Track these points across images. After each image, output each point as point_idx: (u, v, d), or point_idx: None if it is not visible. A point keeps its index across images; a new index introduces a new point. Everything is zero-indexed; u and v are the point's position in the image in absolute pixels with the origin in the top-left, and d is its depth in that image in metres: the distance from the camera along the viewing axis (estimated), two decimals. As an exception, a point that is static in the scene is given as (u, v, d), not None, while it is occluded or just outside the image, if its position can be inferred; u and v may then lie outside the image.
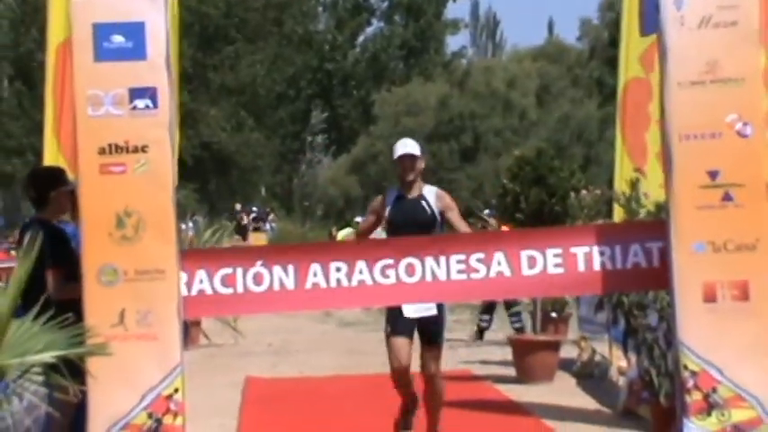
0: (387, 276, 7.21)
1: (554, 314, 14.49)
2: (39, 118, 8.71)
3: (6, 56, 39.50)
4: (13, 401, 5.59)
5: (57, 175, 7.58)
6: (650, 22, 8.77)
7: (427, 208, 8.76)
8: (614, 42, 11.47)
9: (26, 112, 35.99)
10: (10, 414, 5.94)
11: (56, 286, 7.04)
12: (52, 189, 7.49)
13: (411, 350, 8.58)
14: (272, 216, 43.93)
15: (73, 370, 5.44)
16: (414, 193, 8.80)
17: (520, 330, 15.89)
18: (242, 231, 36.99)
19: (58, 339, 5.33)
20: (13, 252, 20.32)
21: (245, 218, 39.42)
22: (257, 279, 7.13)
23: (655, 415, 8.59)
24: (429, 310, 8.51)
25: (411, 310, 8.48)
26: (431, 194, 8.84)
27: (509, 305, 16.49)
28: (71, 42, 7.27)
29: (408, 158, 8.74)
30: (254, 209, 42.37)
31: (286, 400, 10.31)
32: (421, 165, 8.87)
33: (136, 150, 6.95)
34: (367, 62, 50.97)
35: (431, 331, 8.62)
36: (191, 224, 25.05)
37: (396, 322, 8.54)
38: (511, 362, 12.61)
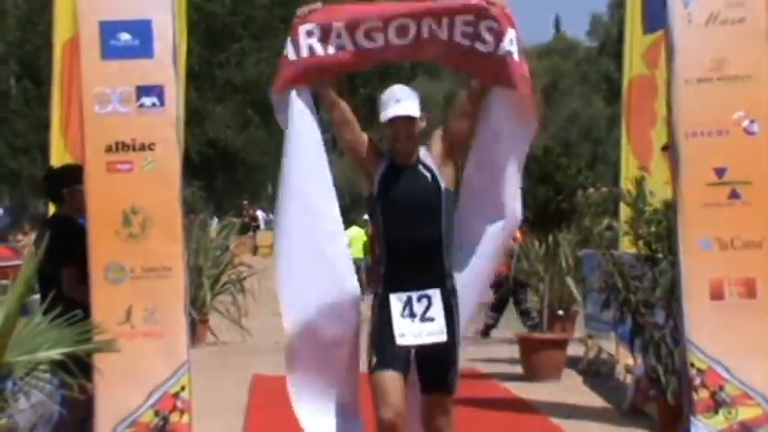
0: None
1: (561, 312, 14.51)
2: (45, 116, 8.72)
3: (13, 54, 39.51)
4: (20, 399, 5.60)
5: (71, 173, 7.56)
6: (654, 19, 8.78)
7: (427, 174, 6.15)
8: (623, 39, 11.50)
9: (33, 109, 36.02)
10: (17, 411, 5.95)
11: (68, 285, 7.06)
12: (65, 186, 7.49)
13: (405, 391, 5.98)
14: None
15: (81, 367, 5.45)
16: (411, 159, 6.18)
17: (534, 327, 15.95)
18: (248, 228, 37.16)
19: (66, 336, 5.35)
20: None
21: (248, 216, 39.60)
22: None
23: (662, 413, 8.59)
24: (435, 333, 5.94)
25: (408, 334, 5.94)
26: (426, 157, 6.21)
27: (518, 302, 16.49)
28: (77, 40, 7.31)
29: (403, 123, 6.13)
30: (260, 211, 42.43)
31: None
32: (421, 126, 6.22)
33: (143, 148, 6.97)
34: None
35: (439, 367, 5.98)
36: (216, 220, 25.32)
37: (383, 350, 5.96)
38: (518, 360, 12.59)
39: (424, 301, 5.95)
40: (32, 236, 9.22)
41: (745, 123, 7.00)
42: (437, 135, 6.22)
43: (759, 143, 7.03)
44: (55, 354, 5.18)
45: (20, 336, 4.92)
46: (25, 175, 35.11)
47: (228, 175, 44.64)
